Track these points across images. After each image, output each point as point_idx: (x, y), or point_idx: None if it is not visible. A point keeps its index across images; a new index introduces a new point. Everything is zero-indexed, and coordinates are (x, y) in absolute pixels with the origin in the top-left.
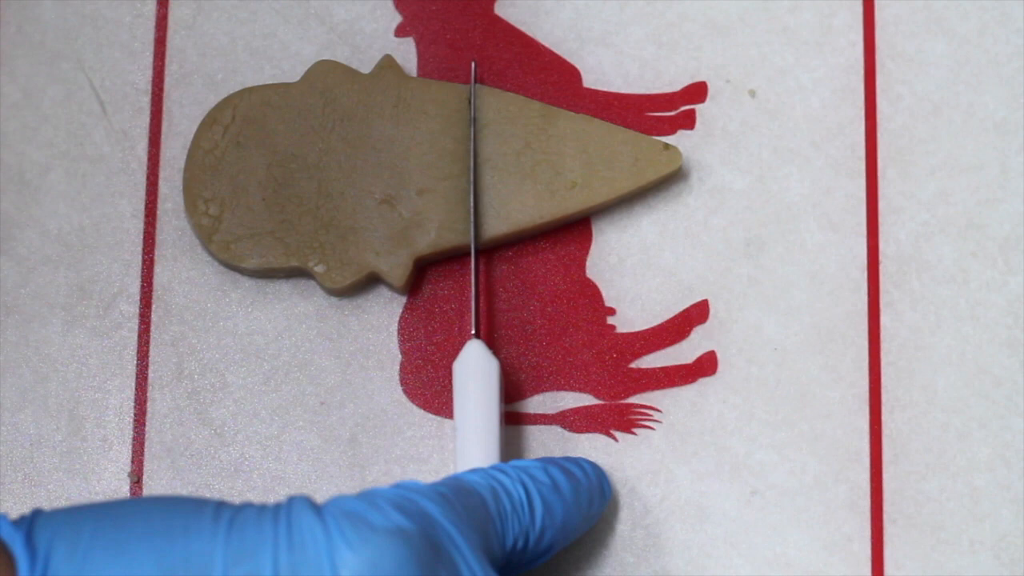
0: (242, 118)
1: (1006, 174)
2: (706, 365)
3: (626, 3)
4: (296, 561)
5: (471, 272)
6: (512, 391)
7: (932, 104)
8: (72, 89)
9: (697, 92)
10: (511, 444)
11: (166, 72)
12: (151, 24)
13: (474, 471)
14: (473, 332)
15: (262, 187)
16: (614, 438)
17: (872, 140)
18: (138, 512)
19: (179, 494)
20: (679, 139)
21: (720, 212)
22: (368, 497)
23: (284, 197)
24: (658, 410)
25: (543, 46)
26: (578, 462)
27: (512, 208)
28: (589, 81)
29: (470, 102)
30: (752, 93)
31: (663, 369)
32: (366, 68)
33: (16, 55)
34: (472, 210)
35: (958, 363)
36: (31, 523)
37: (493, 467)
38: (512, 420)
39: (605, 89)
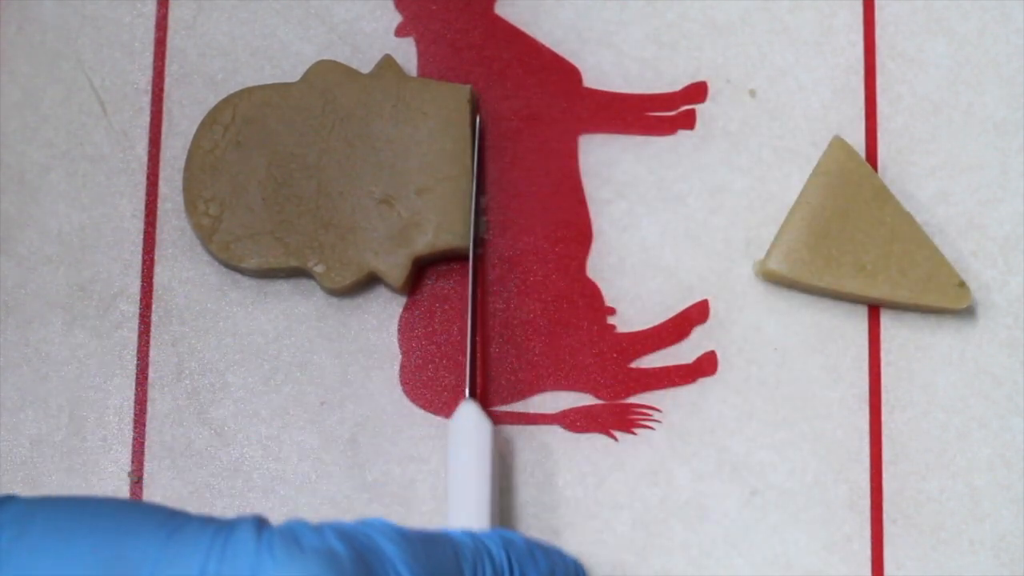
0: (242, 118)
1: (1006, 174)
2: (706, 365)
3: (626, 3)
4: (224, 571)
5: (467, 325)
6: (512, 391)
7: (932, 104)
8: (72, 89)
9: (697, 92)
10: (512, 444)
11: (166, 72)
12: (151, 24)
13: (464, 532)
14: (467, 393)
15: (262, 187)
16: (614, 438)
17: (872, 140)
18: (96, 510)
19: (150, 501)
20: (679, 139)
21: (720, 212)
22: (319, 524)
23: (284, 197)
24: (658, 410)
25: (543, 46)
26: (559, 550)
27: (798, 256)
28: (589, 81)
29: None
30: (752, 93)
31: (663, 369)
32: (366, 68)
33: (16, 55)
34: (474, 239)
35: (958, 363)
36: None
37: (479, 533)
38: (513, 420)
39: (605, 89)
